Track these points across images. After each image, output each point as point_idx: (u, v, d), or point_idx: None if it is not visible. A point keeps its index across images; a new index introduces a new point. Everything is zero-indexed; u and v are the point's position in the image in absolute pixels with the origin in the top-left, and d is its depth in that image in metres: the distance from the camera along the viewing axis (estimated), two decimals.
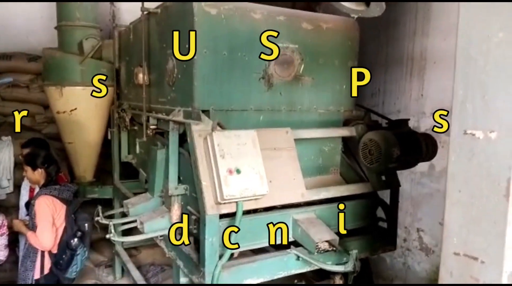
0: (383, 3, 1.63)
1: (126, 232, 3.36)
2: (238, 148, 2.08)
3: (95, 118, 4.02)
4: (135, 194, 3.64)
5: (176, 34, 2.43)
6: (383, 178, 2.71)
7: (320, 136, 2.63)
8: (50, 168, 2.95)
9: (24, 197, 3.33)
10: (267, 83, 2.53)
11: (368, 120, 2.80)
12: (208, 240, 2.11)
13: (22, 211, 3.32)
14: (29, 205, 2.94)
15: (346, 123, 2.83)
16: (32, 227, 2.86)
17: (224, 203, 2.05)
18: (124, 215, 3.31)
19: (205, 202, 2.07)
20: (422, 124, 3.58)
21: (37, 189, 3.22)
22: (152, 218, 2.68)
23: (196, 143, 2.15)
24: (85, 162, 4.13)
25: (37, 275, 2.87)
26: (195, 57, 2.30)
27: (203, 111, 2.34)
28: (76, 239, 2.92)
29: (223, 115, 2.42)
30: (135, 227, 2.89)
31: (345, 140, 2.86)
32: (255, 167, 2.08)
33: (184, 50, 2.37)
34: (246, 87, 2.48)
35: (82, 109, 3.91)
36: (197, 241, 2.40)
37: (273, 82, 2.55)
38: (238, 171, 2.03)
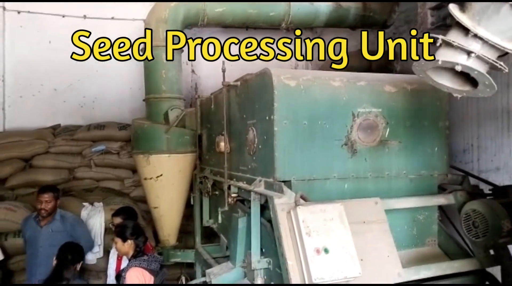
0: (494, 84, 1.47)
1: None
2: (324, 224, 1.96)
3: (179, 184, 4.16)
4: (215, 258, 3.64)
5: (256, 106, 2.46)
6: (491, 251, 2.38)
7: (414, 206, 2.41)
8: (139, 239, 3.05)
9: (112, 265, 3.46)
10: (351, 150, 2.43)
11: (467, 186, 2.52)
12: None
13: (110, 279, 3.43)
14: (119, 277, 3.02)
15: (441, 188, 2.58)
16: None
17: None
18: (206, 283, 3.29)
19: (292, 283, 1.94)
20: None
21: (124, 258, 3.33)
22: None
23: (279, 219, 2.07)
24: (169, 226, 4.23)
25: None
26: (275, 129, 2.29)
27: (285, 182, 2.28)
28: None
29: (305, 185, 2.34)
30: None
31: (441, 207, 2.60)
32: (345, 246, 1.93)
33: (265, 122, 2.38)
34: (328, 155, 2.39)
35: (167, 175, 4.07)
36: None
37: (356, 148, 2.44)
38: (326, 251, 1.89)
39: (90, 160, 5.02)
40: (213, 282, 2.91)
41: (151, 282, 2.94)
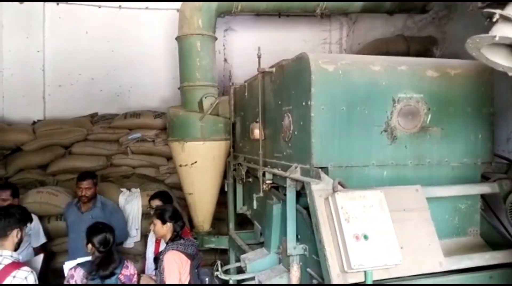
0: None
1: None
2: (364, 211, 1.93)
3: (213, 170, 4.20)
4: (249, 244, 3.67)
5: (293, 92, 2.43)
6: None
7: (456, 194, 2.33)
8: (177, 223, 3.12)
9: (150, 248, 3.55)
10: (390, 136, 2.37)
11: None
12: None
13: (149, 262, 3.52)
14: (157, 259, 3.10)
15: (484, 177, 2.49)
16: (161, 281, 2.99)
17: (351, 272, 1.88)
18: (240, 269, 3.32)
19: (330, 270, 1.92)
20: None
21: (162, 242, 3.41)
22: (271, 277, 2.61)
23: (317, 205, 2.06)
24: (203, 212, 4.30)
25: None
26: (312, 114, 2.26)
27: (321, 168, 2.25)
28: None
29: (343, 171, 2.30)
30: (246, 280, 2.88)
31: (484, 196, 2.50)
32: (385, 233, 1.89)
33: (301, 108, 2.35)
34: (366, 142, 2.34)
35: (201, 162, 4.12)
36: None
37: (396, 135, 2.37)
38: (365, 237, 1.86)
39: (127, 147, 5.15)
40: (248, 267, 2.94)
41: (188, 265, 3.00)
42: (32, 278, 2.51)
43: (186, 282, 2.99)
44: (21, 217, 2.69)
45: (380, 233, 1.89)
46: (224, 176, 4.32)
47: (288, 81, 2.56)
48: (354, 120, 2.31)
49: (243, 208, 3.94)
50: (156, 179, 5.20)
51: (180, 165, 4.24)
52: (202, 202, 4.28)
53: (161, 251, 3.11)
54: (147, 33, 5.98)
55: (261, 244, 3.33)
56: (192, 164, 4.15)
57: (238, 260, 3.84)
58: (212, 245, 4.29)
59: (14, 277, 2.47)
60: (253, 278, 2.77)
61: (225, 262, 4.03)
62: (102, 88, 5.93)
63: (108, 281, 2.66)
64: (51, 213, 4.34)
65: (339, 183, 2.06)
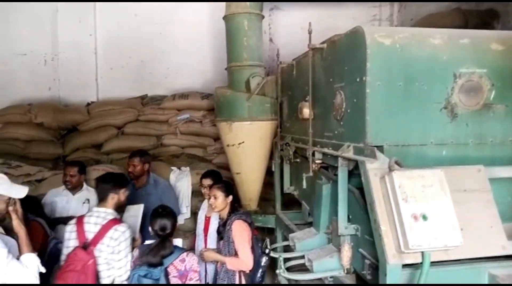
0: None
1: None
2: (423, 190, 1.86)
3: (260, 150, 4.22)
4: (296, 224, 3.68)
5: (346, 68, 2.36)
6: None
7: None
8: (234, 197, 3.24)
9: (200, 225, 3.63)
10: (450, 114, 2.25)
11: None
12: None
13: (199, 238, 3.62)
14: (219, 232, 3.20)
15: None
16: (228, 251, 3.06)
17: (408, 253, 1.83)
18: (286, 248, 3.35)
19: (386, 250, 1.88)
20: None
21: (212, 218, 3.50)
22: (321, 256, 2.61)
23: (372, 184, 2.01)
24: (250, 192, 4.34)
25: None
26: (367, 91, 2.18)
27: (376, 147, 2.18)
28: (265, 258, 3.04)
29: (399, 151, 2.22)
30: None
31: None
32: (445, 213, 1.82)
33: (355, 84, 2.28)
34: (425, 119, 2.24)
35: (248, 142, 4.15)
36: None
37: (457, 112, 2.25)
38: (424, 217, 1.80)
39: (176, 128, 5.28)
40: (297, 246, 2.95)
41: (249, 234, 3.07)
42: (128, 233, 2.83)
43: (250, 250, 3.03)
44: (118, 182, 2.99)
45: (439, 213, 1.82)
46: (271, 157, 4.33)
47: (341, 57, 2.49)
48: (412, 97, 2.20)
49: (290, 188, 3.94)
50: (204, 158, 5.31)
51: (228, 145, 4.29)
52: (249, 181, 4.32)
53: (224, 222, 3.17)
54: (194, 14, 6.03)
55: (308, 224, 3.33)
56: (239, 144, 4.19)
57: (284, 239, 3.88)
58: (259, 224, 4.32)
59: (115, 230, 2.78)
60: (302, 257, 2.78)
61: (272, 242, 4.07)
62: (151, 70, 6.09)
63: (154, 271, 2.65)
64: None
65: (396, 162, 2.00)
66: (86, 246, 2.74)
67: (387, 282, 1.88)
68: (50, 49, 5.94)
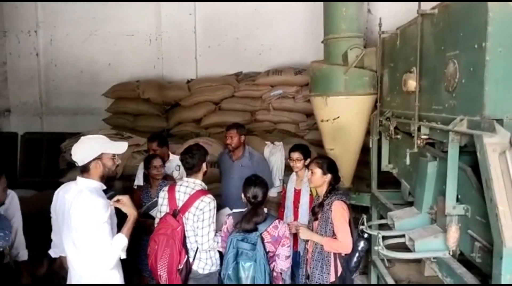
0: None
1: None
2: None
3: (356, 126, 4.09)
4: (393, 204, 3.52)
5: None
6: None
7: None
8: (335, 177, 3.16)
9: (290, 198, 3.68)
10: None
11: None
12: (505, 277, 1.75)
13: (288, 210, 3.67)
14: (314, 212, 3.16)
15: None
16: (326, 232, 3.02)
17: None
18: (381, 227, 3.22)
19: (502, 231, 1.71)
20: None
21: (303, 190, 3.51)
22: (424, 236, 2.47)
23: (490, 160, 1.83)
24: (344, 169, 4.24)
25: (332, 278, 3.02)
26: (487, 58, 1.97)
27: (495, 121, 1.97)
28: (363, 242, 2.95)
29: None
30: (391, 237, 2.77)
31: None
32: None
33: (472, 51, 2.07)
34: None
35: (344, 117, 4.04)
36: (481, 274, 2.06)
37: None
38: None
39: (269, 103, 5.35)
40: (396, 225, 2.83)
41: (349, 216, 3.02)
42: (213, 204, 2.96)
43: (349, 232, 2.99)
44: (204, 154, 3.16)
45: None
46: (367, 133, 4.18)
47: (456, 22, 2.26)
48: None
49: (389, 166, 3.77)
50: (296, 134, 5.32)
51: (322, 120, 4.22)
52: (343, 158, 4.21)
53: (320, 203, 3.13)
54: None
55: (407, 204, 3.17)
56: (334, 119, 4.10)
57: (381, 217, 3.75)
58: (353, 202, 4.23)
59: (201, 200, 2.94)
60: (402, 236, 2.66)
61: (367, 220, 3.97)
62: (245, 47, 6.20)
63: (250, 236, 2.76)
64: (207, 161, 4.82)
65: None
66: (176, 213, 2.95)
67: (503, 267, 1.73)
68: (154, 29, 6.36)
